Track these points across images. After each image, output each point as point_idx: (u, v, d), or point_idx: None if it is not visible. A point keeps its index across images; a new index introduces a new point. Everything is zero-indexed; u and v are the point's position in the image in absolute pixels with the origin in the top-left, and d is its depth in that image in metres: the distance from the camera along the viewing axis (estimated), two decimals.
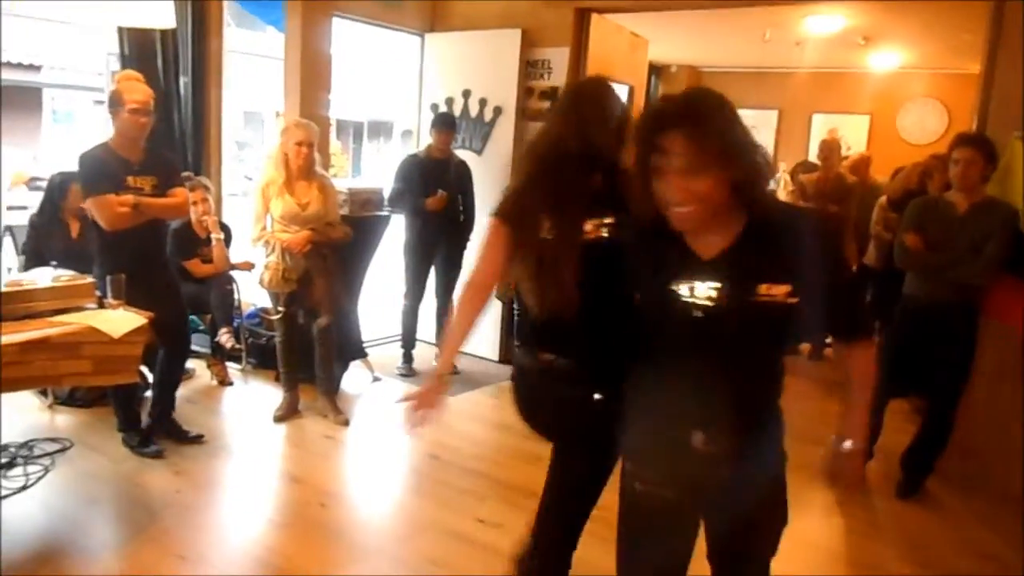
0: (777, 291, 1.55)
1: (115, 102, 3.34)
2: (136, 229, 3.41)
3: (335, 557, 2.92)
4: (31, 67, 11.84)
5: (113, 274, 3.47)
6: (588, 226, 1.88)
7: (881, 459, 3.85)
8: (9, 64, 10.84)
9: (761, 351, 1.64)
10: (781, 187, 7.96)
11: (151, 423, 3.76)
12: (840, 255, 1.75)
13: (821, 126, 9.31)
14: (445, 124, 4.85)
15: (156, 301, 3.53)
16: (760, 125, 9.42)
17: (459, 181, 4.95)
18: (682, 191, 1.50)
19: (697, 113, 1.50)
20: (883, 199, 5.14)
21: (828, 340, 6.12)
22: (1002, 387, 3.71)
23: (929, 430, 3.70)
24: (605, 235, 1.88)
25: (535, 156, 2.00)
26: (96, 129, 5.08)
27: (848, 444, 1.72)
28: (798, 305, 1.56)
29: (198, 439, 3.80)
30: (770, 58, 8.65)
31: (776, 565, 2.93)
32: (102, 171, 3.34)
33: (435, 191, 4.77)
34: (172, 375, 3.81)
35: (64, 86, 12.72)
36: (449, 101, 5.52)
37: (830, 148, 5.76)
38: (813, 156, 8.08)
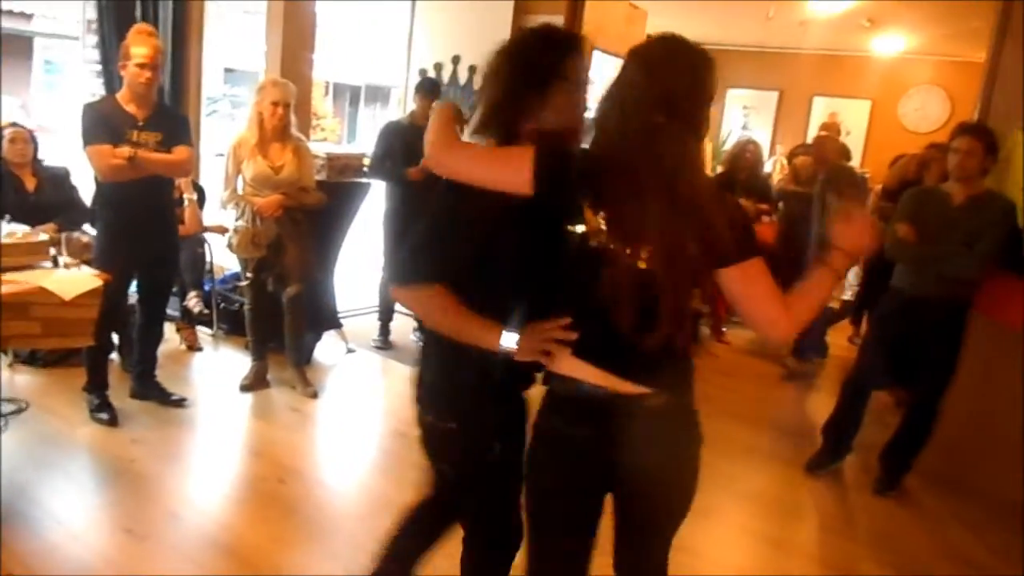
0: None
1: (123, 55, 3.29)
2: (136, 184, 3.32)
3: (288, 535, 2.81)
4: (22, 15, 11.62)
5: (111, 229, 3.37)
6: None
7: (860, 453, 3.77)
8: None
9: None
10: (777, 170, 7.82)
11: (133, 384, 3.74)
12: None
13: (822, 109, 9.15)
14: (429, 90, 4.67)
15: (151, 260, 3.50)
16: (760, 106, 9.26)
17: None
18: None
19: None
20: (878, 187, 5.06)
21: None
22: (988, 386, 3.61)
23: (910, 425, 3.60)
24: None
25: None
26: (85, 80, 4.90)
27: None
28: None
29: (180, 402, 3.73)
30: (773, 37, 8.46)
31: (742, 563, 2.82)
32: (101, 121, 3.29)
33: (418, 160, 4.60)
34: (152, 335, 3.75)
35: (55, 35, 12.51)
36: (438, 67, 5.35)
37: (828, 131, 5.63)
38: (811, 139, 7.95)
